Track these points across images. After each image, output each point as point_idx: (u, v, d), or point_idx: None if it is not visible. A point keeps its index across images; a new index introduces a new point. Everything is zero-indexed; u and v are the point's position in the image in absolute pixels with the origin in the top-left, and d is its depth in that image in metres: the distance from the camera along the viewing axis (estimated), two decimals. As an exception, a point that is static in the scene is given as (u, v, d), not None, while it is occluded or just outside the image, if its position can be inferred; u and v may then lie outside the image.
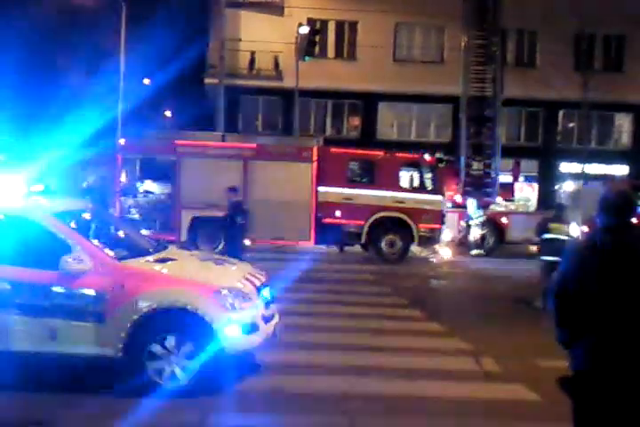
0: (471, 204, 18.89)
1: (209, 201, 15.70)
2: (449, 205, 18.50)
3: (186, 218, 16.08)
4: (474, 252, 18.43)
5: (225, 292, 6.16)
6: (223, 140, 18.12)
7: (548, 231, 10.78)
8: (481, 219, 18.56)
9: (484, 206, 18.88)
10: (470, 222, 18.63)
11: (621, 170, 25.32)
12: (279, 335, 6.78)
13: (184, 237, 15.88)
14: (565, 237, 10.58)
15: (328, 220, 16.37)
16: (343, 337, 8.30)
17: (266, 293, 6.76)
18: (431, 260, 17.28)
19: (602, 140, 26.15)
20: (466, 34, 21.46)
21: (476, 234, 18.54)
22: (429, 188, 16.84)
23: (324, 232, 16.40)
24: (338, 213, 16.39)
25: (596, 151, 24.97)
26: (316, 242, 16.62)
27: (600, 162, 24.60)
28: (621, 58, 25.73)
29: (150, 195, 16.64)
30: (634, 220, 3.70)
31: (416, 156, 17.25)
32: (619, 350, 3.48)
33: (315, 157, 16.47)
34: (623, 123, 26.29)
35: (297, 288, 10.78)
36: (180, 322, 6.05)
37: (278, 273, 10.09)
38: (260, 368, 6.84)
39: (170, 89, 33.38)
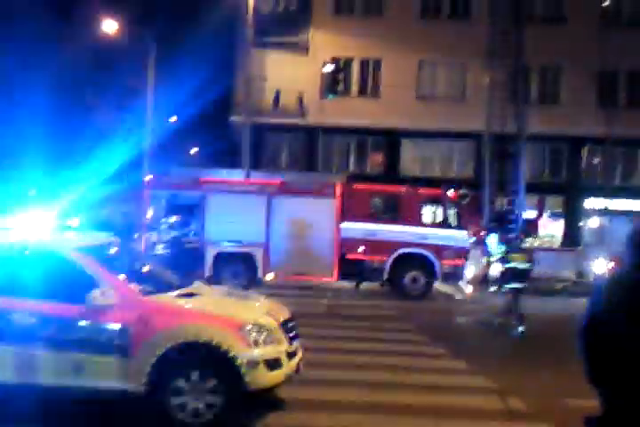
0: (493, 240, 18.76)
1: (233, 237, 15.83)
2: (472, 241, 18.40)
3: (210, 253, 16.18)
4: (492, 288, 18.25)
5: (249, 327, 6.17)
6: (248, 177, 18.31)
7: (509, 261, 12.52)
8: (502, 255, 18.39)
9: (506, 242, 18.73)
10: (491, 259, 18.47)
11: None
12: (303, 372, 6.74)
13: (209, 272, 15.96)
14: (525, 266, 12.40)
15: (351, 255, 16.37)
16: (368, 374, 8.24)
17: (289, 328, 6.75)
18: (454, 296, 17.12)
19: (626, 175, 25.97)
20: (489, 71, 21.65)
21: (496, 270, 18.36)
22: (452, 223, 16.79)
23: (347, 268, 16.38)
24: (361, 249, 16.38)
25: (621, 187, 24.79)
26: (339, 278, 16.59)
27: (625, 198, 24.38)
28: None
29: (176, 231, 16.81)
30: None
31: (439, 191, 17.26)
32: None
33: (338, 193, 16.56)
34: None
35: (320, 324, 10.72)
36: (203, 357, 6.05)
37: (301, 309, 10.07)
38: (283, 405, 6.79)
39: (196, 126, 33.94)
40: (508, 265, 12.54)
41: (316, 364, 7.59)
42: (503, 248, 18.53)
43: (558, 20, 25.38)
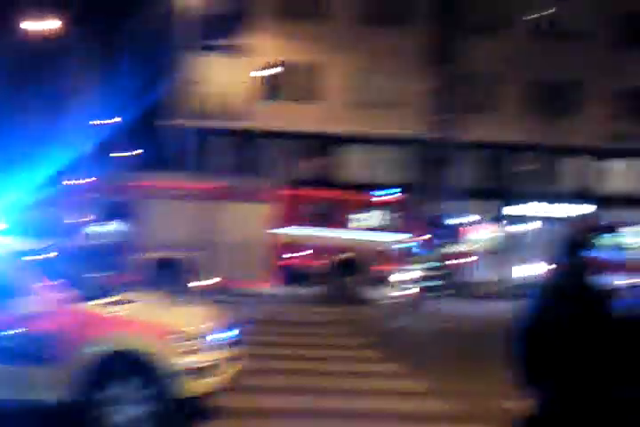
0: (435, 246, 19.03)
1: (169, 242, 15.56)
2: (409, 245, 18.60)
3: (145, 259, 15.87)
4: (436, 293, 18.49)
5: (180, 335, 6.08)
6: (185, 182, 18.07)
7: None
8: (443, 261, 18.70)
9: (443, 247, 19.05)
10: (429, 263, 18.71)
11: (577, 211, 25.82)
12: (241, 379, 6.68)
13: (143, 278, 15.65)
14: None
15: (290, 261, 16.34)
16: (305, 380, 8.20)
17: (226, 335, 6.67)
18: (392, 300, 17.20)
19: (559, 182, 26.71)
20: (429, 78, 21.98)
21: (438, 275, 18.62)
22: (390, 228, 16.95)
23: (286, 274, 16.34)
24: (298, 254, 16.36)
25: (552, 193, 25.50)
26: (276, 283, 16.52)
27: (558, 203, 25.10)
28: (578, 102, 26.48)
29: (110, 236, 16.45)
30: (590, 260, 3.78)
31: (376, 196, 17.41)
32: (576, 393, 3.51)
33: (276, 198, 16.51)
34: (577, 166, 26.96)
35: (257, 330, 10.64)
36: (133, 366, 5.93)
37: (239, 315, 9.98)
38: (219, 412, 6.70)
39: (131, 130, 33.31)
40: (425, 266, 13.44)
41: (255, 371, 7.51)
42: (440, 253, 18.90)
43: (494, 30, 25.98)
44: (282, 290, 17.02)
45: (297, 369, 8.74)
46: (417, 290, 18.00)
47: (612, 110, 26.18)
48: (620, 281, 17.92)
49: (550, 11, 26.02)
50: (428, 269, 19.16)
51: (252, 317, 11.49)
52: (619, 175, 27.04)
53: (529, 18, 25.68)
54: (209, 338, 6.33)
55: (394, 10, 26.19)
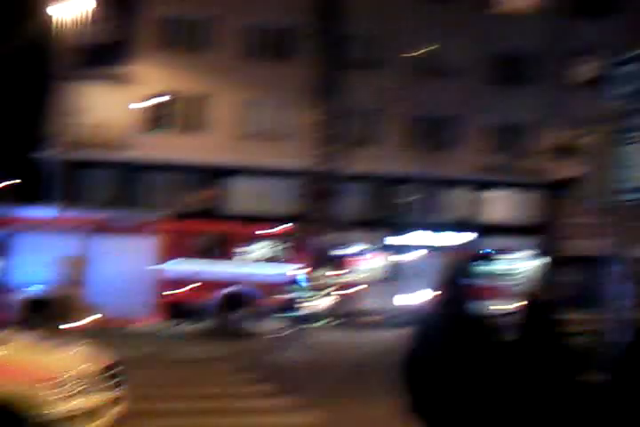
0: (323, 276, 18.95)
1: (45, 279, 14.55)
2: (296, 277, 18.41)
3: (19, 298, 14.74)
4: (325, 324, 18.36)
5: (58, 379, 5.48)
6: (61, 215, 17.10)
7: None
8: (333, 290, 18.65)
9: (330, 278, 19.02)
10: (318, 293, 18.60)
11: (458, 240, 26.69)
12: (124, 422, 6.12)
13: (18, 318, 14.48)
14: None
15: (174, 296, 15.68)
16: (194, 420, 7.80)
17: (108, 377, 6.12)
18: (278, 333, 16.81)
19: (439, 212, 27.58)
20: (313, 112, 22.19)
21: (327, 306, 18.53)
22: (279, 260, 16.73)
23: (171, 309, 15.67)
24: (185, 289, 15.76)
25: (434, 224, 26.26)
26: (162, 319, 15.81)
27: (439, 232, 25.84)
28: (455, 136, 27.63)
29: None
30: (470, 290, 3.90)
31: (265, 229, 17.18)
32: (461, 418, 3.57)
33: (160, 231, 15.89)
34: (457, 197, 27.99)
35: (143, 370, 10.00)
36: (8, 414, 5.26)
37: (122, 354, 9.34)
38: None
39: (4, 160, 31.46)
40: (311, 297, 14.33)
41: (141, 412, 7.00)
42: (330, 283, 18.86)
43: (376, 67, 26.73)
44: (166, 326, 16.29)
45: (185, 409, 8.27)
46: (303, 321, 17.83)
47: (486, 144, 27.48)
48: (498, 306, 18.66)
49: (429, 49, 27.18)
50: (314, 299, 19.06)
51: (134, 356, 10.84)
52: (496, 205, 28.27)
53: (409, 55, 26.65)
54: (87, 381, 5.75)
55: (280, 43, 26.45)
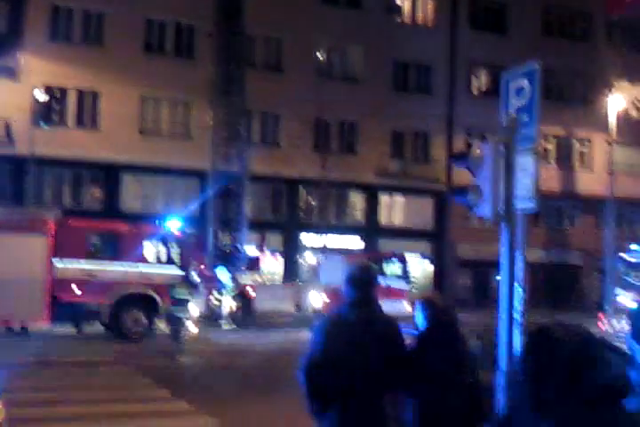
0: (224, 276, 18.74)
1: None
2: (197, 278, 18.14)
3: None
4: (225, 325, 18.17)
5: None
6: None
7: (174, 291, 14.22)
8: (234, 291, 18.49)
9: (232, 279, 18.86)
10: (223, 295, 18.41)
11: (356, 243, 27.18)
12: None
13: None
14: (183, 296, 14.03)
15: (65, 297, 15.05)
16: (89, 425, 7.52)
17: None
18: (175, 335, 16.46)
19: (339, 215, 27.98)
20: (213, 112, 21.91)
21: (229, 307, 18.35)
22: (176, 261, 16.40)
23: (61, 311, 15.01)
24: (77, 290, 15.17)
25: (335, 226, 26.60)
26: (52, 321, 15.13)
27: (338, 235, 26.19)
28: (354, 141, 28.13)
29: None
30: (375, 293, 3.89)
31: (162, 228, 16.81)
32: (359, 420, 3.58)
33: (51, 230, 15.20)
34: (357, 200, 28.49)
35: (32, 374, 9.55)
36: None
37: (9, 357, 8.88)
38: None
39: None
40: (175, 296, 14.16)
41: (29, 419, 6.72)
42: (234, 284, 18.68)
43: (277, 69, 26.79)
44: (58, 328, 15.63)
45: (80, 414, 7.98)
46: (197, 323, 17.58)
47: (385, 149, 28.11)
48: (396, 308, 19.13)
49: (328, 55, 27.50)
50: (215, 300, 18.84)
51: (24, 359, 10.34)
52: (393, 209, 28.95)
53: (313, 58, 26.85)
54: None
55: (179, 40, 25.99)
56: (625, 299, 19.00)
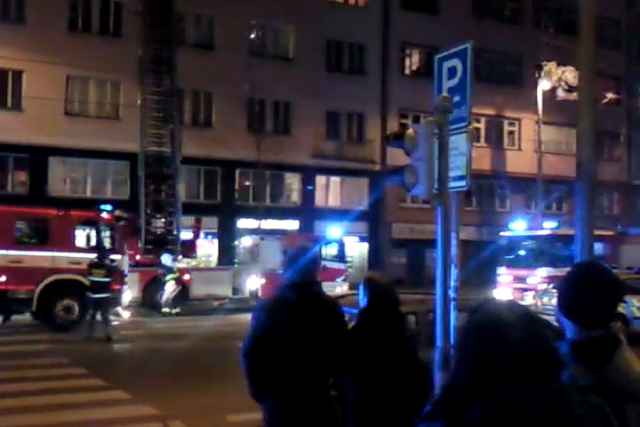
0: (167, 260, 18.38)
1: None
2: (129, 264, 17.76)
3: None
4: (166, 310, 17.90)
5: None
6: None
7: (91, 274, 14.12)
8: (174, 276, 18.17)
9: (167, 263, 18.53)
10: (165, 279, 18.08)
11: (293, 225, 27.14)
12: None
13: None
14: (99, 279, 13.98)
15: (-9, 285, 14.51)
16: (18, 419, 7.29)
17: None
18: (108, 322, 16.08)
19: (275, 197, 27.85)
20: (142, 92, 21.33)
21: (171, 291, 18.04)
22: (108, 247, 16.00)
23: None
24: (2, 278, 14.62)
25: (271, 208, 26.46)
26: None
27: (274, 218, 26.06)
28: (288, 122, 27.95)
29: None
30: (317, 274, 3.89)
31: (92, 213, 16.37)
32: (304, 402, 3.58)
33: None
34: (292, 182, 28.38)
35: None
36: None
37: None
38: None
39: None
40: (90, 278, 14.15)
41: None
42: (175, 269, 18.34)
43: (208, 48, 26.28)
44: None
45: (11, 407, 7.73)
46: (131, 310, 17.27)
47: (319, 130, 28.04)
48: (336, 288, 19.23)
49: (261, 34, 27.14)
50: (149, 286, 18.51)
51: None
52: (328, 191, 29.00)
53: (244, 39, 26.47)
54: None
55: (106, 18, 25.14)
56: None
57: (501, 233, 21.13)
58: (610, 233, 20.00)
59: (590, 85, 8.36)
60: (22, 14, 23.79)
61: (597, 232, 10.04)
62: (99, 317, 14.12)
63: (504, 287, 19.19)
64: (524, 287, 18.38)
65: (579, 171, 8.10)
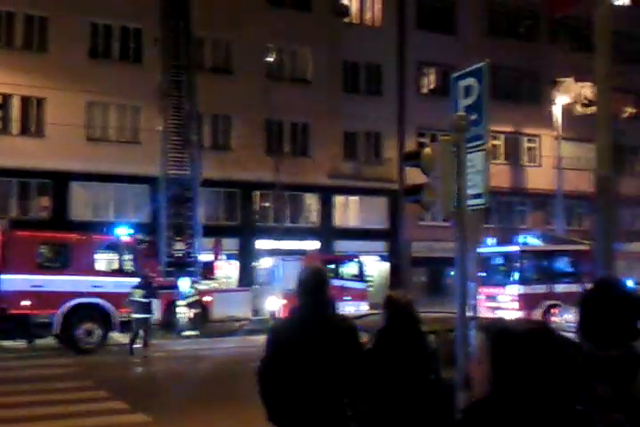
0: (184, 285, 18.44)
1: None
2: (151, 286, 17.80)
3: None
4: (186, 333, 17.91)
5: None
6: None
7: (132, 295, 14.80)
8: (194, 298, 18.22)
9: (189, 286, 18.58)
10: (184, 302, 18.12)
11: (312, 245, 27.10)
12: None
13: None
14: (138, 299, 14.77)
15: (14, 310, 14.61)
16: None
17: None
18: (130, 345, 16.10)
19: (294, 218, 27.86)
20: (162, 116, 21.58)
21: (189, 314, 18.07)
22: (129, 270, 16.09)
23: (11, 325, 14.58)
24: (26, 303, 14.73)
25: (290, 229, 26.47)
26: (2, 336, 14.69)
27: (294, 238, 26.06)
28: (306, 143, 28.07)
29: None
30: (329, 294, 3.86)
31: (113, 237, 16.48)
32: (321, 424, 3.54)
33: (-3, 241, 14.77)
34: (311, 202, 28.41)
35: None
36: None
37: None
38: None
39: None
40: (130, 298, 14.79)
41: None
42: (193, 291, 18.39)
43: (227, 72, 26.57)
44: (8, 343, 15.18)
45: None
46: (149, 332, 17.30)
47: (336, 151, 28.14)
48: (355, 308, 19.12)
49: (278, 57, 27.40)
50: (172, 309, 18.55)
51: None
52: (346, 210, 28.99)
53: (263, 61, 26.74)
54: None
55: (125, 46, 25.50)
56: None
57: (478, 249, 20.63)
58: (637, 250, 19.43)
59: (607, 100, 8.34)
60: (44, 42, 24.24)
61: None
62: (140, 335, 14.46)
63: (478, 307, 18.56)
64: (495, 306, 17.73)
65: (597, 186, 8.04)
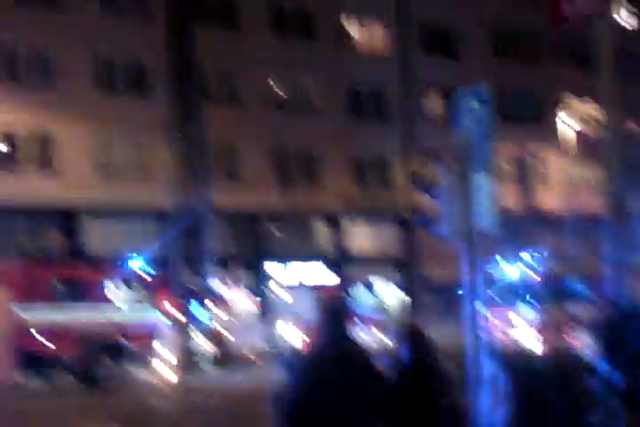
0: (203, 316, 18.42)
1: None
2: (167, 320, 17.77)
3: None
4: (206, 367, 17.80)
5: None
6: None
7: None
8: (211, 331, 18.18)
9: (205, 317, 18.55)
10: (201, 335, 18.06)
11: (326, 273, 26.91)
12: None
13: None
14: None
15: (31, 348, 14.59)
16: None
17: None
18: (154, 380, 15.95)
19: (305, 246, 27.70)
20: (171, 148, 21.80)
21: (207, 347, 18.00)
22: (143, 303, 16.10)
23: (28, 362, 14.54)
24: (43, 340, 14.71)
25: (301, 257, 26.37)
26: (19, 375, 14.65)
27: (305, 266, 25.98)
28: (315, 171, 28.01)
29: None
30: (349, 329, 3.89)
31: (126, 270, 16.53)
32: None
33: (13, 279, 14.81)
34: (322, 230, 28.33)
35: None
36: None
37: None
38: None
39: None
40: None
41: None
42: (212, 324, 18.34)
43: (233, 102, 26.83)
44: (25, 381, 15.09)
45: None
46: (175, 366, 17.19)
47: (345, 178, 28.23)
48: (374, 337, 18.95)
49: (283, 85, 27.69)
50: (189, 342, 18.49)
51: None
52: (358, 237, 28.92)
53: (269, 90, 27.02)
54: None
55: (132, 80, 25.79)
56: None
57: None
58: None
59: (613, 119, 8.38)
60: (49, 76, 24.38)
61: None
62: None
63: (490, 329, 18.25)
64: (508, 329, 17.51)
65: (608, 206, 8.04)
